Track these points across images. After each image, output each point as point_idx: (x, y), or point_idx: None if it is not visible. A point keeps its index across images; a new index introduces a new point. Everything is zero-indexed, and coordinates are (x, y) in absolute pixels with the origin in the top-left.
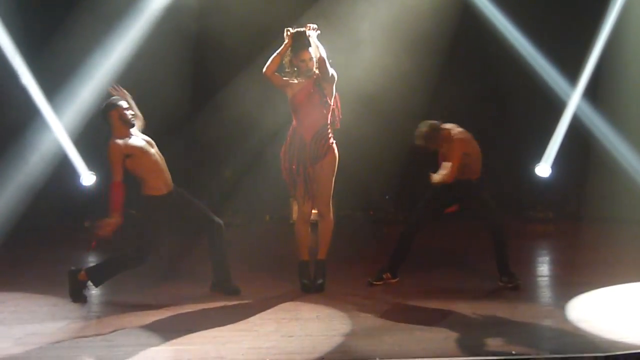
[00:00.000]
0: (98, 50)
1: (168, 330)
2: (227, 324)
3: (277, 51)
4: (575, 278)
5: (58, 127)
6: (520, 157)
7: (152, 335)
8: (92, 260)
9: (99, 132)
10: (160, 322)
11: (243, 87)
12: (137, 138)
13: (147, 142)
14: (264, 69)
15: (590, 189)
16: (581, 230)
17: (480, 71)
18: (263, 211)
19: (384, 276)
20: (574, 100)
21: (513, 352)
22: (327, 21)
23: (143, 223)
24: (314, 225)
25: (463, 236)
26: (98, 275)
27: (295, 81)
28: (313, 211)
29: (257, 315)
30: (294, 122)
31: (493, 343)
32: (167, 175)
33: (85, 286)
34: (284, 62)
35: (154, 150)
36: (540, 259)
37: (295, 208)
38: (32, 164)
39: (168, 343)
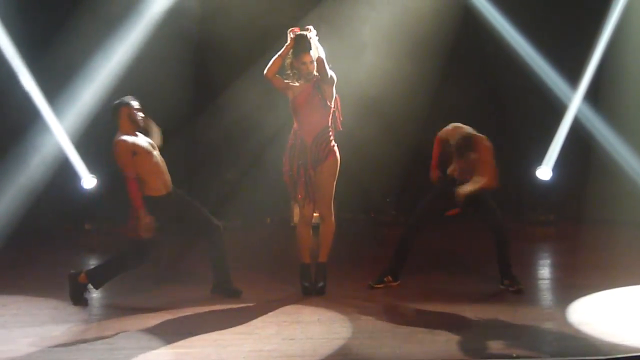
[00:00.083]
0: (99, 53)
1: (169, 333)
2: (228, 327)
3: (279, 53)
4: (576, 281)
5: (59, 130)
6: (521, 159)
7: (153, 338)
8: (93, 263)
9: (100, 135)
10: (161, 325)
11: (244, 89)
12: (142, 138)
13: (150, 144)
14: (265, 71)
15: (591, 191)
16: (582, 232)
17: (481, 74)
18: (264, 214)
19: (386, 279)
20: (575, 102)
21: (514, 355)
22: (328, 24)
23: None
24: (315, 227)
25: (464, 238)
26: (98, 277)
27: (297, 84)
28: (314, 214)
29: (258, 318)
30: (295, 125)
31: (494, 346)
32: (167, 176)
33: (85, 289)
34: (285, 63)
35: (155, 153)
36: (541, 262)
37: (296, 211)
38: (33, 167)
39: (169, 346)
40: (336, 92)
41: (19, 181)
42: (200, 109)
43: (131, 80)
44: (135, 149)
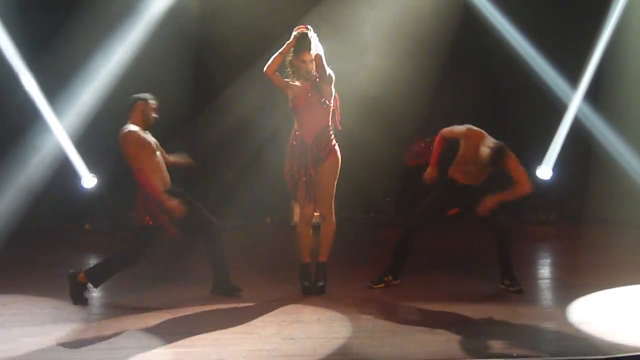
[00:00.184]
0: (99, 53)
1: (169, 333)
2: (228, 327)
3: (279, 50)
4: (576, 280)
5: (59, 130)
6: (522, 159)
7: (153, 338)
8: (93, 262)
9: (100, 134)
10: (161, 324)
11: (244, 89)
12: (150, 136)
13: (155, 143)
14: (265, 68)
15: (592, 191)
16: (582, 232)
17: (482, 73)
18: (264, 213)
19: (386, 279)
20: (575, 102)
21: (514, 355)
22: (328, 25)
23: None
24: (316, 227)
25: (464, 238)
26: (97, 276)
27: (297, 83)
28: (315, 213)
29: (258, 318)
30: (295, 125)
31: (494, 345)
32: (166, 174)
33: (85, 288)
34: (285, 61)
35: (158, 153)
36: (542, 261)
37: (296, 210)
38: (33, 166)
39: (169, 345)
40: (335, 91)
41: (19, 181)
42: (200, 109)
43: (131, 80)
44: (145, 143)
